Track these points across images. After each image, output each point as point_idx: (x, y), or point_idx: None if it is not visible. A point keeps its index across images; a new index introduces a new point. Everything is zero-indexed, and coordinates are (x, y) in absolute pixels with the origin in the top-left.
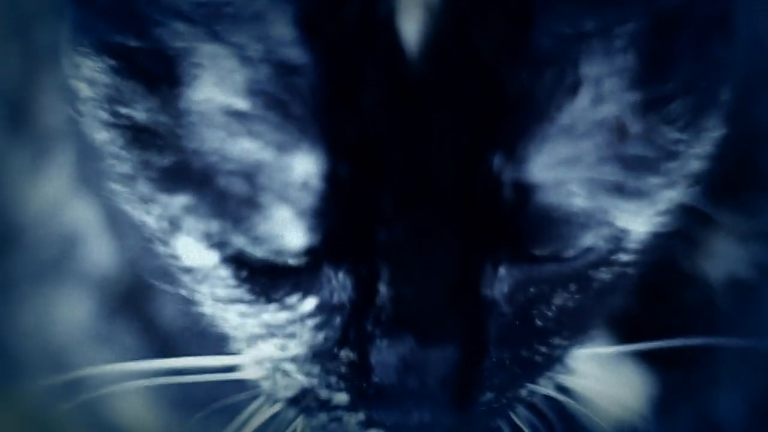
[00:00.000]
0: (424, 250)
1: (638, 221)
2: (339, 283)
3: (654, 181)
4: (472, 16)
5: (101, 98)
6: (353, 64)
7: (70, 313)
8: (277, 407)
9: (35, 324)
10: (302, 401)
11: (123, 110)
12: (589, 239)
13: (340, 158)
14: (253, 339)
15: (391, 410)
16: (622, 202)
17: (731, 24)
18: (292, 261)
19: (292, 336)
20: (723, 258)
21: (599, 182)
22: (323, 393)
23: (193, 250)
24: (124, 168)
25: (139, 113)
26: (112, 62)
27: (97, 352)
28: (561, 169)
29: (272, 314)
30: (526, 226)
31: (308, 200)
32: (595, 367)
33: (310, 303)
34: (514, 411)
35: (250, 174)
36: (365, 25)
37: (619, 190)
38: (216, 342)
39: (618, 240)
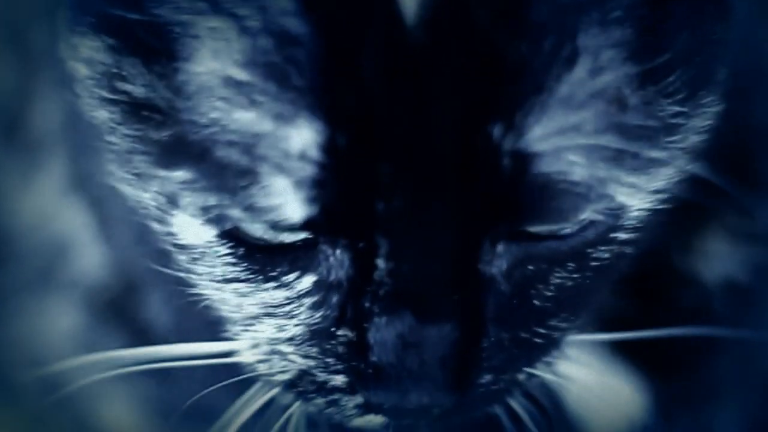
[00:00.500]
0: (423, 221)
1: (637, 197)
2: (337, 260)
3: (653, 154)
4: None
5: (99, 76)
6: (352, 33)
7: (58, 322)
8: (273, 392)
9: (24, 335)
10: (299, 384)
11: (121, 86)
12: (588, 212)
13: (339, 128)
14: (251, 320)
15: (389, 391)
16: (622, 175)
17: (726, 1)
18: (289, 236)
19: (289, 315)
20: (718, 259)
21: (598, 152)
22: (320, 375)
23: (190, 227)
24: (123, 145)
25: (137, 88)
26: (111, 40)
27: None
28: (560, 138)
29: (270, 293)
30: (525, 197)
31: (306, 170)
32: (591, 376)
33: (308, 281)
34: (512, 396)
35: (248, 145)
36: None
37: (619, 162)
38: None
39: (616, 217)
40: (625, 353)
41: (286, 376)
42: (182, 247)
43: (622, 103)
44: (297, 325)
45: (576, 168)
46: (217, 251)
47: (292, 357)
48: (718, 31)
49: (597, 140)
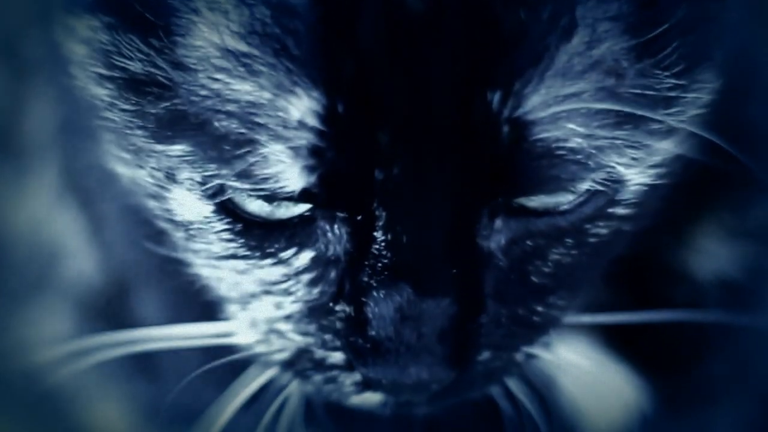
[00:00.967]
0: (421, 189)
1: (635, 169)
2: (334, 235)
3: (650, 126)
4: None
5: (96, 55)
6: (350, 2)
7: (52, 328)
8: (271, 372)
9: (18, 341)
10: (297, 363)
11: (119, 63)
12: (587, 182)
13: (338, 96)
14: (248, 298)
15: (387, 366)
16: (620, 145)
17: None
18: (287, 210)
19: (287, 293)
20: (710, 255)
21: (597, 120)
22: (318, 353)
23: (188, 202)
24: (120, 121)
25: (135, 64)
26: (108, 18)
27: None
28: (558, 107)
29: (267, 270)
30: (524, 166)
31: (305, 139)
32: (587, 362)
33: (306, 257)
34: (510, 375)
35: (247, 115)
36: None
37: (617, 130)
38: None
39: (614, 190)
40: (620, 348)
41: (284, 355)
42: (179, 224)
43: (620, 74)
44: (294, 302)
45: (575, 136)
46: (214, 227)
47: (290, 335)
48: (714, 8)
49: (595, 111)
